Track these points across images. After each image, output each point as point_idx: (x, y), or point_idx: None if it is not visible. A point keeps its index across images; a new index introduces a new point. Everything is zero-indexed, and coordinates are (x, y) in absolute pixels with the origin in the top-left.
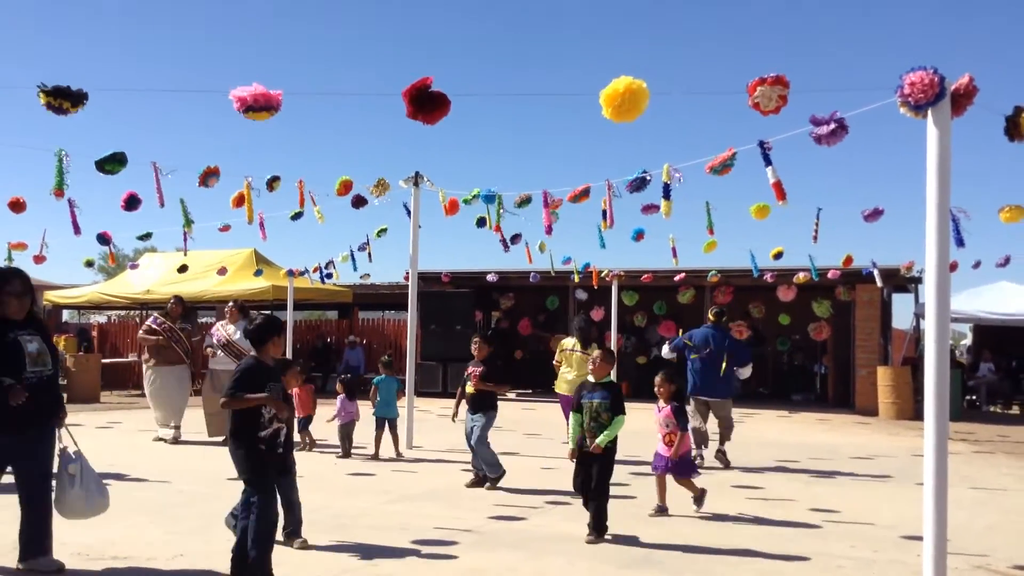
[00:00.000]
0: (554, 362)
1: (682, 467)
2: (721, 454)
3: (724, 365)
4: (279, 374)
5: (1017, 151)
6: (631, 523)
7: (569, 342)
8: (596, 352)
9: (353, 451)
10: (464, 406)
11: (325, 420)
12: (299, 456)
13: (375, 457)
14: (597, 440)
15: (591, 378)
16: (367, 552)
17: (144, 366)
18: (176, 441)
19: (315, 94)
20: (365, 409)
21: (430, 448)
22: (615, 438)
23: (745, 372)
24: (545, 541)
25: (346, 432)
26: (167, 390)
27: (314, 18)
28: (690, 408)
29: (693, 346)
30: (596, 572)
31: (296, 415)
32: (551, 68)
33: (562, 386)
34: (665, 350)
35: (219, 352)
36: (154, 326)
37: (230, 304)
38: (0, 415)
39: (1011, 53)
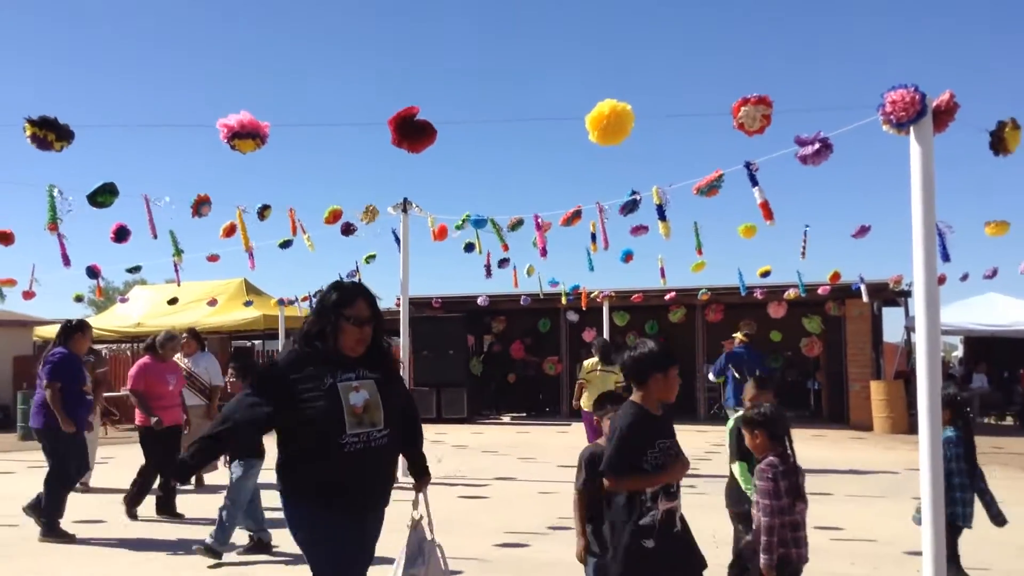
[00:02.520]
0: (579, 382)
1: None
2: None
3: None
4: (671, 426)
5: (999, 164)
6: None
7: (590, 363)
8: (750, 387)
9: None
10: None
11: None
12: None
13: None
14: None
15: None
16: None
17: None
18: (87, 488)
19: (302, 125)
20: None
21: None
22: None
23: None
24: (550, 567)
25: None
26: None
27: (300, 45)
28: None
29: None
30: None
31: None
32: (538, 90)
33: (588, 404)
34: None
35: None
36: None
37: (183, 334)
38: (323, 485)
39: (993, 68)
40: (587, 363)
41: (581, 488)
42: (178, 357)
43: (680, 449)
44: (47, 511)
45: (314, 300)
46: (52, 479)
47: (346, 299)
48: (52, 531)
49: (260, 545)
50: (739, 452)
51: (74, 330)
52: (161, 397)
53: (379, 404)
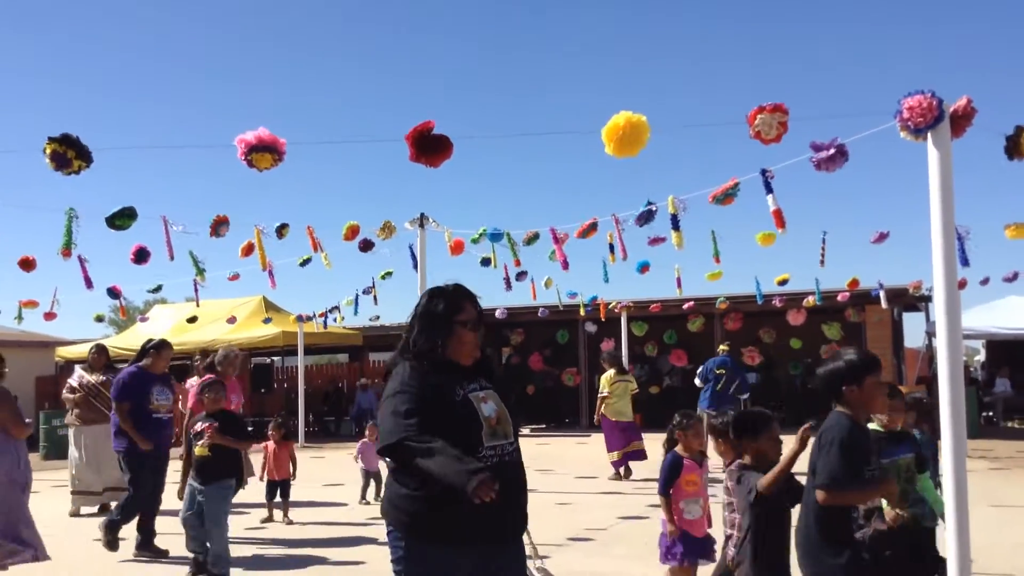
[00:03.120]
0: (601, 395)
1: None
2: None
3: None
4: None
5: (1019, 166)
6: (651, 557)
7: (608, 376)
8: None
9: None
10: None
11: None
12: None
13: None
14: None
15: (876, 425)
16: None
17: (69, 428)
18: (104, 510)
19: (318, 143)
20: None
21: None
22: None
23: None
24: None
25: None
26: (89, 451)
27: (314, 63)
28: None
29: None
30: None
31: (266, 477)
32: (552, 103)
33: (610, 411)
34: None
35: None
36: (73, 383)
37: (196, 357)
38: (458, 510)
39: (1010, 71)
40: (605, 377)
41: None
42: (193, 380)
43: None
44: (116, 517)
45: (329, 316)
46: (128, 501)
47: (455, 304)
48: (112, 531)
49: (200, 566)
50: (923, 462)
51: (149, 349)
52: None
53: (507, 415)
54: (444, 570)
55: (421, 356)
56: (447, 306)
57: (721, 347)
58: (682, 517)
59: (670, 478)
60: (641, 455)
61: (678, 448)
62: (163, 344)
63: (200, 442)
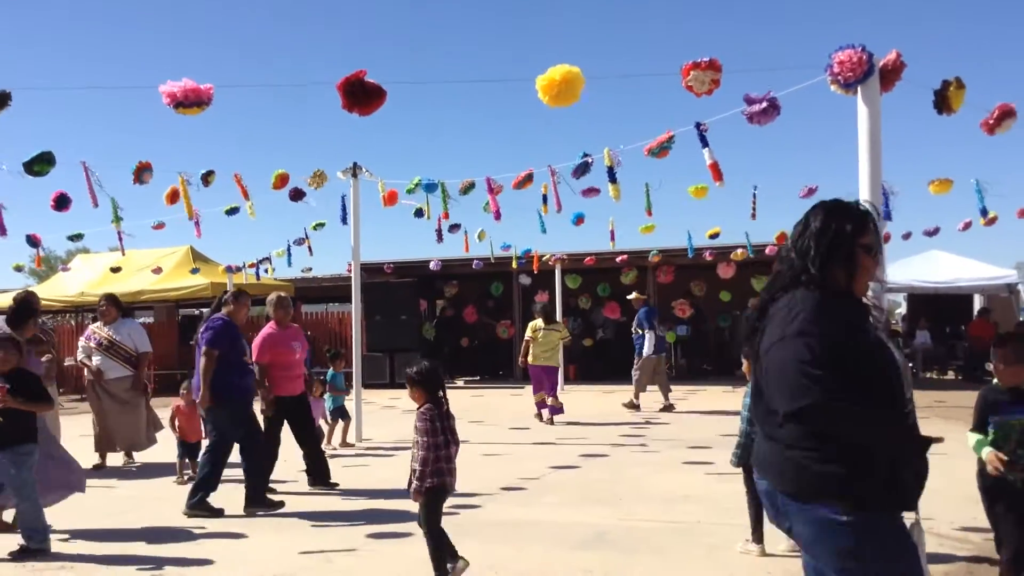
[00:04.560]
0: (526, 340)
1: None
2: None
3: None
4: None
5: (944, 121)
6: (582, 504)
7: (535, 323)
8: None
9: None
10: None
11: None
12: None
13: (333, 447)
14: None
15: (997, 381)
16: (321, 547)
17: None
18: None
19: (247, 86)
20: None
21: (379, 440)
22: None
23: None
24: (499, 527)
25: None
26: None
27: (245, 7)
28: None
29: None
30: (550, 555)
31: (180, 438)
32: (488, 52)
33: (536, 358)
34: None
35: (98, 358)
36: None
37: (101, 302)
38: (902, 481)
39: (938, 27)
40: (532, 324)
41: None
42: (98, 326)
43: None
44: (202, 482)
45: (259, 268)
46: (214, 451)
47: (862, 225)
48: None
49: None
50: (976, 422)
51: (227, 299)
52: (290, 367)
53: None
54: (903, 544)
55: (825, 284)
56: (855, 227)
57: (637, 295)
58: None
59: None
60: (557, 410)
61: None
62: (241, 292)
63: None
